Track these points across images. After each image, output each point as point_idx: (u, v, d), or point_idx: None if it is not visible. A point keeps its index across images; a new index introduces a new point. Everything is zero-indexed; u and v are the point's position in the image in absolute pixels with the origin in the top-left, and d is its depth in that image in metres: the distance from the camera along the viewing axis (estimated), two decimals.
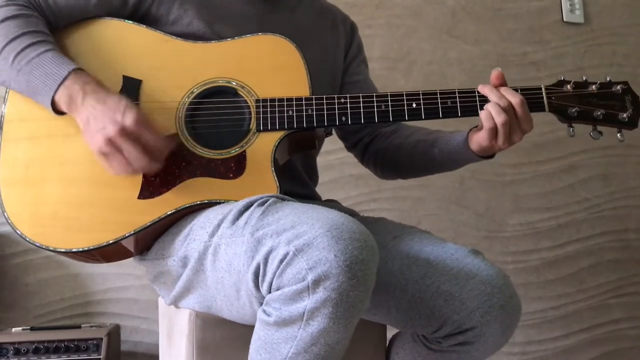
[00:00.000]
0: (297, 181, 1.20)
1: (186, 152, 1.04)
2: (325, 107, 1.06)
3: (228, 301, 0.97)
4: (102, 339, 1.55)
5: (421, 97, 1.07)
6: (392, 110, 1.07)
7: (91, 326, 1.65)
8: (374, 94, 1.08)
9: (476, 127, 1.09)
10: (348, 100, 1.07)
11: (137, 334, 1.87)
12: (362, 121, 1.07)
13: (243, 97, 1.07)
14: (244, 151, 1.05)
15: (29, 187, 1.03)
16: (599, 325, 2.19)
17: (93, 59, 1.08)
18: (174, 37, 1.10)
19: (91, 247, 1.00)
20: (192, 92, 1.07)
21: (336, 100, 1.07)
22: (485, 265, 1.01)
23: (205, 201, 1.02)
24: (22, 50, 1.00)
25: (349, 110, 1.07)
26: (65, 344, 1.54)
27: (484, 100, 1.06)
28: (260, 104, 1.06)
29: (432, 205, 2.12)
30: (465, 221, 2.14)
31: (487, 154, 1.10)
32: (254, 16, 1.17)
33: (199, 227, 0.99)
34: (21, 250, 1.82)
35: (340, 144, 1.40)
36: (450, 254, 1.03)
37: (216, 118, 1.06)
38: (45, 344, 1.53)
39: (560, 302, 2.18)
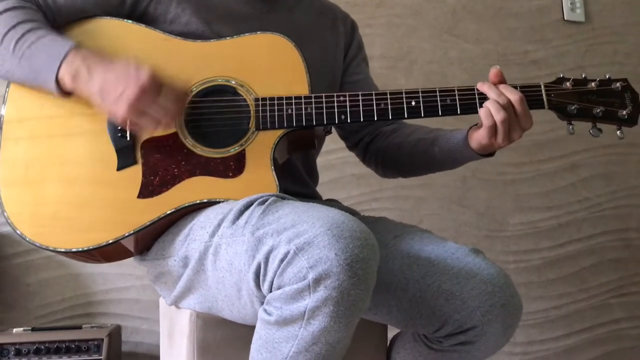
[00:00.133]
0: (297, 181, 1.20)
1: (185, 151, 1.04)
2: (324, 105, 1.06)
3: (229, 301, 0.97)
4: (103, 339, 1.55)
5: (420, 95, 1.07)
6: (391, 108, 1.07)
7: (92, 327, 1.65)
8: (373, 92, 1.08)
9: (476, 125, 1.09)
10: (347, 99, 1.07)
11: (138, 335, 1.87)
12: (362, 119, 1.07)
13: (242, 96, 1.07)
14: (244, 150, 1.04)
15: (29, 187, 1.03)
16: (600, 324, 2.19)
17: None
18: (173, 36, 1.10)
19: (91, 247, 1.00)
20: (191, 91, 1.07)
21: (335, 99, 1.06)
22: (486, 264, 1.01)
23: (205, 200, 1.02)
24: (21, 37, 1.00)
25: (348, 109, 1.06)
26: (66, 344, 1.54)
27: (483, 98, 1.05)
28: (260, 102, 1.06)
29: (434, 205, 2.12)
30: (467, 220, 2.14)
31: (487, 152, 1.09)
32: (252, 16, 1.17)
33: (199, 227, 0.99)
34: (22, 251, 1.82)
35: (341, 143, 1.40)
36: (451, 253, 1.02)
37: (215, 117, 1.06)
38: (46, 345, 1.53)
39: (562, 301, 2.17)
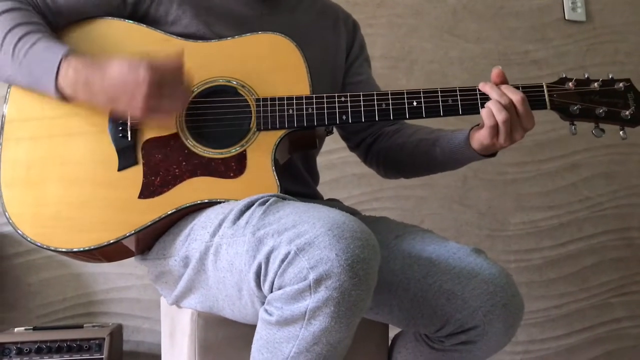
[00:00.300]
0: (298, 180, 1.20)
1: (186, 152, 1.04)
2: (325, 105, 1.06)
3: (230, 301, 0.97)
4: (104, 338, 1.55)
5: (422, 95, 1.07)
6: (392, 108, 1.07)
7: (93, 326, 1.65)
8: (375, 92, 1.08)
9: (477, 125, 1.09)
10: (349, 99, 1.06)
11: (139, 334, 1.87)
12: (363, 119, 1.06)
13: (243, 96, 1.07)
14: (245, 150, 1.04)
15: (30, 188, 1.03)
16: (601, 324, 2.19)
17: None
18: (174, 36, 1.10)
19: (92, 247, 1.00)
20: (192, 92, 1.07)
21: (336, 99, 1.06)
22: (487, 264, 1.01)
23: (206, 200, 1.02)
24: (18, 42, 1.00)
25: (349, 109, 1.06)
26: (68, 343, 1.54)
27: (485, 98, 1.05)
28: (261, 103, 1.06)
29: (435, 205, 2.12)
30: (468, 220, 2.14)
31: (488, 153, 1.09)
32: (253, 17, 1.17)
33: (200, 227, 0.99)
34: (23, 251, 1.83)
35: (342, 143, 1.40)
36: (452, 253, 1.02)
37: (216, 117, 1.06)
38: (48, 344, 1.53)
39: (563, 300, 2.17)
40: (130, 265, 1.83)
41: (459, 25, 2.23)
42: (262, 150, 1.04)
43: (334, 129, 1.29)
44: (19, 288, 1.83)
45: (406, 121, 1.28)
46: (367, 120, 1.07)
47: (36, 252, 1.82)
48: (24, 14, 1.04)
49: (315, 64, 1.10)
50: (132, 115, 1.01)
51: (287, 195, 0.97)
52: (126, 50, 1.08)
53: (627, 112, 1.05)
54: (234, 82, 1.08)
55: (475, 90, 1.07)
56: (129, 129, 1.04)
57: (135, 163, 1.03)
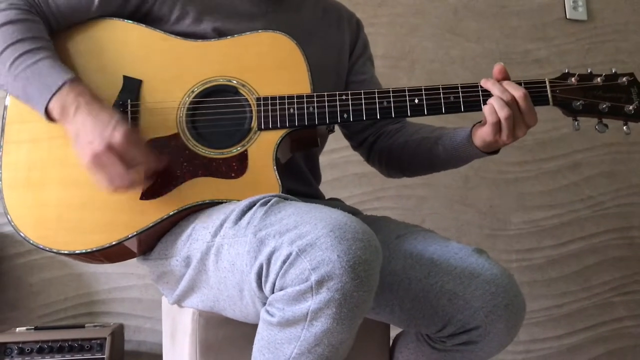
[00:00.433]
0: (300, 180, 1.19)
1: (188, 152, 1.04)
2: (326, 104, 1.05)
3: (231, 301, 0.97)
4: (105, 338, 1.55)
5: (423, 92, 1.06)
6: (394, 106, 1.06)
7: (95, 326, 1.66)
8: (376, 90, 1.07)
9: (479, 122, 1.09)
10: (349, 97, 1.06)
11: (140, 334, 1.87)
12: (364, 118, 1.06)
13: (244, 96, 1.07)
14: (246, 150, 1.04)
15: (31, 190, 1.03)
16: (603, 323, 2.19)
17: (93, 59, 1.08)
18: (174, 35, 1.10)
19: (94, 249, 1.00)
20: (193, 92, 1.07)
21: (337, 97, 1.06)
22: (489, 264, 1.00)
23: (207, 201, 1.02)
24: (19, 56, 1.00)
25: (350, 107, 1.06)
26: (69, 343, 1.54)
27: (487, 94, 1.04)
28: (261, 102, 1.05)
29: (436, 204, 2.12)
30: (469, 219, 2.14)
31: (491, 150, 1.09)
32: (257, 15, 1.16)
33: (202, 227, 0.99)
34: (25, 251, 1.83)
35: (344, 142, 1.40)
36: (454, 253, 1.02)
37: (217, 117, 1.06)
38: (49, 344, 1.53)
39: (565, 300, 2.17)
40: (131, 265, 1.82)
41: (460, 25, 2.23)
42: (263, 150, 1.04)
43: (336, 128, 1.29)
44: (21, 288, 1.83)
45: (408, 119, 1.28)
46: (369, 118, 1.06)
47: (38, 252, 1.82)
48: (29, 26, 1.03)
49: (318, 62, 1.10)
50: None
51: (289, 196, 0.97)
52: (125, 50, 1.08)
53: (631, 107, 1.04)
54: (235, 82, 1.07)
55: (477, 87, 1.06)
56: None
57: None
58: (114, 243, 1.00)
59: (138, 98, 1.06)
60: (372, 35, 1.38)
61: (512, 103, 1.01)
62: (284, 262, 0.82)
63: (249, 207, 0.93)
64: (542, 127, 2.10)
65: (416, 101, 1.06)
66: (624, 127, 1.06)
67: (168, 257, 1.05)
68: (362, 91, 1.07)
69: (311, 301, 0.80)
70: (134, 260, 1.15)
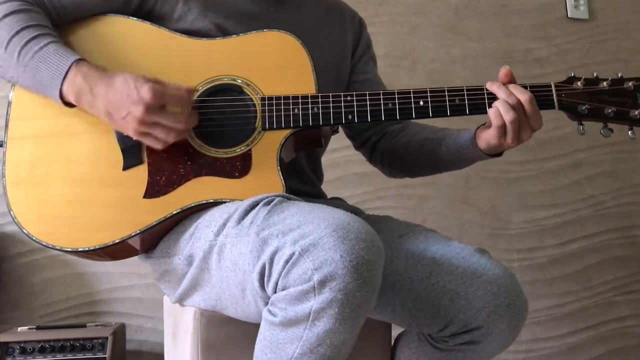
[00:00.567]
0: (303, 179, 1.19)
1: (192, 151, 1.04)
2: (331, 105, 1.05)
3: (233, 300, 0.97)
4: (107, 338, 1.55)
5: (429, 94, 1.06)
6: (399, 108, 1.06)
7: (96, 325, 1.66)
8: (381, 92, 1.07)
9: (484, 125, 1.08)
10: (354, 98, 1.06)
11: (142, 333, 1.88)
12: (369, 119, 1.06)
13: (248, 95, 1.07)
14: (250, 150, 1.04)
15: (35, 187, 1.03)
16: (605, 322, 2.19)
17: (98, 56, 1.07)
18: (179, 34, 1.09)
19: (97, 247, 1.00)
20: (197, 90, 1.07)
21: (342, 98, 1.06)
22: (491, 264, 1.00)
23: (211, 200, 1.02)
24: (25, 44, 1.00)
25: (355, 109, 1.06)
26: (71, 343, 1.54)
27: (492, 97, 1.04)
28: (266, 102, 1.05)
29: (437, 203, 2.12)
30: (470, 219, 2.14)
31: (495, 152, 1.09)
32: (259, 14, 1.16)
33: (205, 226, 0.99)
34: (27, 250, 1.83)
35: (345, 141, 1.40)
36: (456, 253, 1.02)
37: (221, 116, 1.06)
38: (51, 343, 1.54)
39: (566, 299, 2.17)
40: (133, 264, 1.84)
41: (462, 24, 2.23)
42: (267, 150, 1.04)
43: (340, 128, 1.29)
44: (23, 288, 1.83)
45: (411, 120, 1.28)
46: (373, 120, 1.06)
47: (39, 251, 1.83)
48: (31, 15, 1.03)
49: (321, 62, 1.10)
50: (124, 130, 1.00)
51: (291, 195, 0.97)
52: (130, 47, 1.08)
53: (637, 112, 1.03)
54: (239, 81, 1.07)
55: (482, 89, 1.06)
56: None
57: (140, 162, 1.03)
58: (117, 241, 1.00)
59: None
60: (373, 34, 1.38)
61: (517, 107, 1.01)
62: (287, 261, 0.82)
63: (252, 207, 0.93)
64: (544, 126, 2.08)
65: (421, 103, 1.06)
66: (629, 132, 1.05)
67: (171, 255, 1.05)
68: (367, 92, 1.06)
69: (313, 301, 0.80)
70: (136, 259, 1.15)
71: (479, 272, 0.98)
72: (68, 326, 1.67)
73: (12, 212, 1.02)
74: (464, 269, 0.99)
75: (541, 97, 1.04)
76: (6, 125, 1.06)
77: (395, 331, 1.18)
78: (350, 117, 1.05)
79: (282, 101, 1.05)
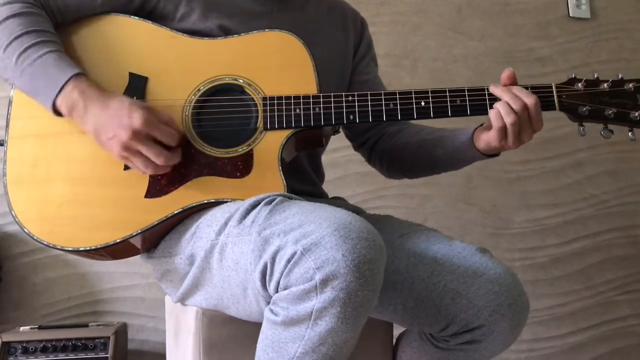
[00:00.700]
0: (304, 179, 1.19)
1: (193, 151, 1.04)
2: (332, 105, 1.05)
3: (234, 299, 0.97)
4: (109, 337, 1.56)
5: (430, 95, 1.06)
6: (400, 108, 1.06)
7: (98, 325, 1.66)
8: (382, 92, 1.07)
9: (481, 125, 1.08)
10: (356, 99, 1.06)
11: (144, 333, 1.88)
12: (370, 120, 1.06)
13: (250, 95, 1.07)
14: (251, 150, 1.04)
15: (36, 186, 1.03)
16: (606, 322, 2.19)
17: (99, 55, 1.08)
18: (181, 33, 1.10)
19: (98, 246, 1.00)
20: (199, 90, 1.07)
21: (344, 99, 1.06)
22: (493, 263, 1.00)
23: (212, 200, 1.02)
24: (25, 50, 1.00)
25: (356, 109, 1.06)
26: (73, 342, 1.55)
27: (494, 99, 1.04)
28: (267, 102, 1.05)
29: (439, 203, 2.12)
30: (472, 218, 2.14)
31: (493, 153, 1.09)
32: (262, 14, 1.16)
33: (206, 225, 0.99)
34: (29, 250, 1.83)
35: (346, 141, 1.40)
36: (457, 252, 1.02)
37: (223, 116, 1.06)
38: (53, 343, 1.54)
39: (568, 299, 2.17)
40: (135, 264, 1.84)
41: (463, 23, 2.23)
42: (268, 149, 1.04)
43: (340, 129, 1.28)
44: (25, 287, 1.83)
45: (410, 121, 1.28)
46: (375, 120, 1.06)
47: (41, 251, 1.83)
48: (33, 19, 1.03)
49: (323, 62, 1.10)
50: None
51: (293, 195, 0.97)
52: (132, 47, 1.08)
53: (637, 113, 1.03)
54: (241, 81, 1.07)
55: (484, 90, 1.06)
56: None
57: None
58: (118, 241, 1.00)
59: (144, 95, 1.06)
60: (375, 34, 1.38)
61: (522, 110, 1.01)
62: (289, 261, 0.82)
63: (254, 206, 0.93)
64: (545, 125, 2.07)
65: (422, 104, 1.06)
66: (629, 134, 1.06)
67: (172, 255, 1.05)
68: (368, 93, 1.06)
69: (315, 300, 0.80)
70: (137, 259, 1.15)
71: (480, 271, 0.98)
72: (70, 326, 1.68)
73: (13, 212, 1.02)
74: (466, 268, 0.99)
75: (542, 98, 1.04)
76: (7, 124, 1.06)
77: (397, 330, 1.18)
78: (351, 117, 1.05)
79: (284, 101, 1.05)
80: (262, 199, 0.93)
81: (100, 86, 1.01)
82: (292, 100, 1.05)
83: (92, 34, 1.09)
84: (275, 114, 1.05)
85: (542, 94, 1.05)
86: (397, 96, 1.06)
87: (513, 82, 1.06)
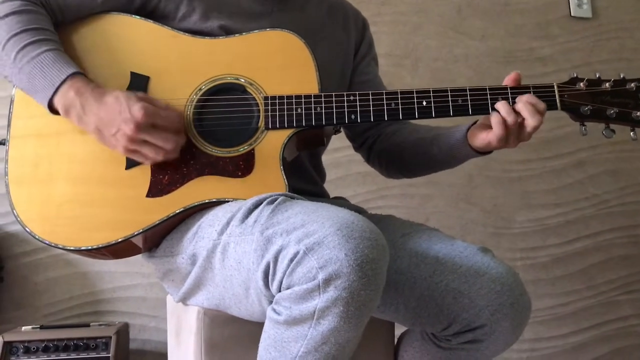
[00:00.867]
0: (305, 178, 1.19)
1: (194, 150, 1.04)
2: (334, 105, 1.05)
3: (236, 299, 0.97)
4: (111, 337, 1.56)
5: (432, 95, 1.06)
6: (402, 108, 1.06)
7: (100, 324, 1.66)
8: (384, 92, 1.07)
9: (475, 123, 1.08)
10: (357, 98, 1.06)
11: (145, 332, 1.88)
12: (372, 119, 1.06)
13: (251, 95, 1.07)
14: (253, 149, 1.04)
15: (38, 185, 1.03)
16: (608, 321, 2.19)
17: (101, 54, 1.08)
18: (182, 32, 1.10)
19: (100, 246, 1.00)
20: (200, 89, 1.07)
21: (345, 98, 1.06)
22: (494, 263, 1.00)
23: (214, 200, 1.02)
24: (23, 47, 1.00)
25: (358, 108, 1.06)
26: (75, 342, 1.55)
27: (495, 98, 1.04)
28: (269, 101, 1.05)
29: (440, 202, 2.12)
30: (473, 218, 2.14)
31: (489, 151, 1.09)
32: (263, 13, 1.17)
33: (208, 225, 0.99)
34: (30, 250, 1.83)
35: (347, 141, 1.39)
36: (459, 252, 1.02)
37: (224, 116, 1.06)
38: (55, 343, 1.54)
39: (569, 298, 2.17)
40: (136, 263, 1.84)
41: (464, 23, 2.22)
42: (270, 149, 1.04)
43: (342, 128, 1.28)
44: (26, 287, 1.83)
45: (408, 120, 1.28)
46: (376, 120, 1.06)
47: (43, 251, 1.83)
48: (32, 17, 1.03)
49: (325, 61, 1.10)
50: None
51: (295, 195, 0.97)
52: (133, 46, 1.08)
53: (639, 113, 1.04)
54: (242, 80, 1.07)
55: (485, 90, 1.06)
56: None
57: None
58: (119, 240, 1.00)
59: None
60: (375, 33, 1.38)
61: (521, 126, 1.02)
62: (291, 260, 0.82)
63: (256, 206, 0.93)
64: (546, 125, 2.08)
65: (424, 103, 1.06)
66: (631, 133, 1.06)
67: (174, 254, 1.05)
68: (369, 92, 1.06)
69: (318, 299, 0.80)
70: (139, 259, 1.15)
71: (482, 270, 0.98)
72: (72, 325, 1.68)
73: (15, 211, 1.02)
74: (467, 267, 0.99)
75: (543, 98, 1.04)
76: (9, 124, 1.06)
77: (399, 330, 1.18)
78: (353, 116, 1.05)
79: (285, 101, 1.05)
80: (265, 199, 0.93)
81: (98, 84, 1.01)
82: (294, 100, 1.05)
83: (93, 33, 1.09)
84: (277, 113, 1.05)
85: (544, 93, 1.05)
86: (399, 96, 1.06)
87: (516, 84, 1.06)
